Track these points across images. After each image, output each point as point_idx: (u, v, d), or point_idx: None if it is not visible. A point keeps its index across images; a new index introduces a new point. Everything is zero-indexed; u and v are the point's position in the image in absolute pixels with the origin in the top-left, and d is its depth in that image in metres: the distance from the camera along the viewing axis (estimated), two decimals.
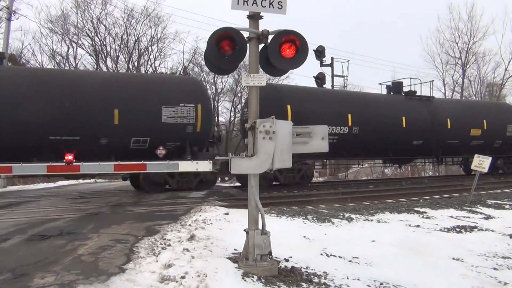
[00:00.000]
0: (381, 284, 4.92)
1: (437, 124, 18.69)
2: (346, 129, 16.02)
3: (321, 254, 5.94)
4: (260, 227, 4.88)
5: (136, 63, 33.20)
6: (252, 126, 4.80)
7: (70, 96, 12.09)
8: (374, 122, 16.59)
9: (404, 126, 17.68)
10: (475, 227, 8.57)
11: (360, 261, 5.75)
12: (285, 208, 9.90)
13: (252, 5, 4.77)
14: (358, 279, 4.99)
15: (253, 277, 4.60)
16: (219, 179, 15.80)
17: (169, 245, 5.86)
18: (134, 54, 33.09)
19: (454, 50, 40.81)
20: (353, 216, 9.26)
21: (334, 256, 5.91)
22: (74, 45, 32.36)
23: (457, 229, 8.28)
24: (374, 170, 32.86)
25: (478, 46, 40.42)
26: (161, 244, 5.99)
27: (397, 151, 18.12)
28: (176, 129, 13.25)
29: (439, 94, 40.71)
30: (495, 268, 5.86)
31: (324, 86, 20.32)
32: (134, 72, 30.51)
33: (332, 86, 22.65)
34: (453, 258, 6.23)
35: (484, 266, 5.91)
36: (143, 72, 31.95)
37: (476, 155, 12.13)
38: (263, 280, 4.56)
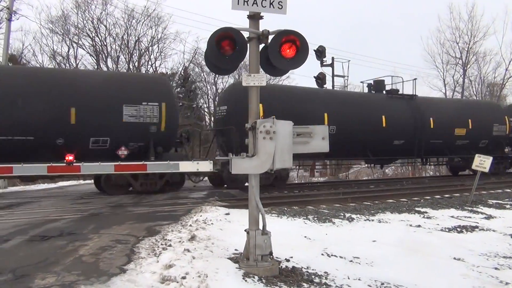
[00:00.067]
0: (382, 284, 4.91)
1: (419, 123, 18.28)
2: None
3: (322, 254, 5.94)
4: (260, 227, 4.87)
5: (136, 63, 33.25)
6: (252, 126, 4.80)
7: (22, 94, 11.49)
8: (352, 122, 16.15)
9: (384, 125, 17.21)
10: (476, 227, 8.56)
11: (361, 261, 5.75)
12: (285, 208, 9.90)
13: (252, 5, 4.77)
14: (359, 279, 4.99)
15: (254, 277, 4.60)
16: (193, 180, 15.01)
17: (170, 245, 5.85)
18: (135, 54, 33.20)
19: (454, 50, 40.85)
20: (354, 216, 9.26)
21: (335, 256, 5.90)
22: (74, 45, 32.47)
23: (458, 229, 8.27)
24: (375, 170, 32.84)
25: (479, 46, 40.47)
26: (161, 244, 5.99)
27: (377, 152, 17.63)
28: (139, 129, 12.73)
29: (439, 94, 40.81)
30: (496, 268, 5.85)
31: (324, 86, 20.35)
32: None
33: (333, 86, 22.66)
34: (454, 258, 6.22)
35: (485, 266, 5.90)
36: (144, 72, 31.99)
37: (477, 155, 12.12)
38: (264, 281, 4.56)
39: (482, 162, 11.82)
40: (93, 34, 32.00)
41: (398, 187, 16.62)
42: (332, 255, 5.94)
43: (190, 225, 7.37)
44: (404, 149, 18.30)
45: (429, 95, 26.47)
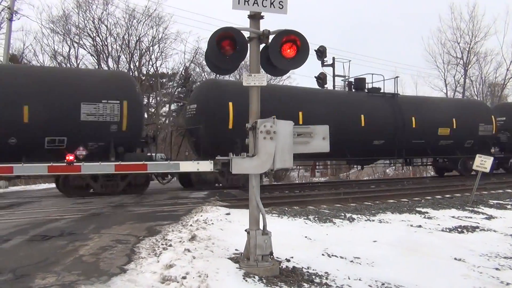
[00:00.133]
0: (383, 284, 4.90)
1: (400, 123, 17.81)
2: None
3: (323, 254, 5.93)
4: (261, 227, 4.87)
5: (137, 63, 33.29)
6: (253, 126, 4.79)
7: None
8: (328, 121, 15.75)
9: (363, 125, 16.71)
10: (477, 227, 8.54)
11: (362, 261, 5.74)
12: (286, 208, 9.89)
13: (253, 5, 4.76)
14: (359, 279, 4.98)
15: (254, 277, 4.59)
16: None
17: (170, 245, 5.84)
18: (136, 54, 33.19)
19: (455, 50, 40.85)
20: (354, 216, 9.24)
21: (336, 256, 5.89)
22: (75, 45, 32.49)
23: (459, 229, 8.26)
24: (376, 170, 32.84)
25: (480, 46, 40.48)
26: (162, 244, 5.98)
27: (356, 152, 17.10)
28: (98, 128, 12.29)
29: (440, 94, 40.78)
30: (497, 269, 5.84)
31: (325, 86, 20.32)
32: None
33: (334, 86, 22.64)
34: (455, 258, 6.21)
35: (486, 266, 5.89)
36: (144, 72, 32.05)
37: (477, 155, 12.10)
38: (264, 281, 4.55)
39: (483, 162, 11.80)
40: (94, 34, 32.07)
41: (399, 187, 16.58)
42: (332, 255, 5.93)
43: (191, 225, 7.36)
44: (384, 149, 17.82)
45: (430, 95, 26.36)
